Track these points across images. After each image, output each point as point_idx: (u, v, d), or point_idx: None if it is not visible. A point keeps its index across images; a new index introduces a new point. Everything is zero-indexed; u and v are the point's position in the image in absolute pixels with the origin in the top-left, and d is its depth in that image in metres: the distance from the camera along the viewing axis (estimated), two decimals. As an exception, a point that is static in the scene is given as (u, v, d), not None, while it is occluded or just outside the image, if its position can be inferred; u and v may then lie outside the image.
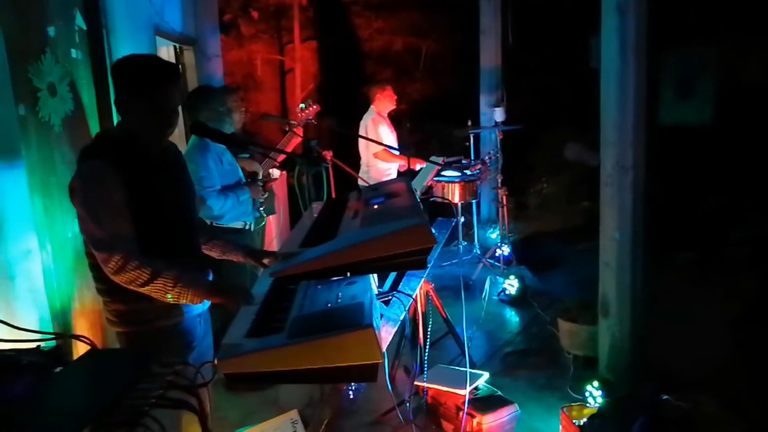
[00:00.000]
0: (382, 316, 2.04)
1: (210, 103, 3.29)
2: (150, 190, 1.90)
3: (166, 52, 4.85)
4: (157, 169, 1.95)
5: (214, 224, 3.30)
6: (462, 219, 5.52)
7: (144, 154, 1.92)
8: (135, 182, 1.86)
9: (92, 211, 1.81)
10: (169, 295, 1.82)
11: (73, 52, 2.87)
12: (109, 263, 1.77)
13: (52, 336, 1.28)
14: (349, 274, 1.73)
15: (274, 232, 4.59)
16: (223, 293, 1.88)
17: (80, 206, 1.84)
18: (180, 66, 5.02)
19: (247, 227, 3.48)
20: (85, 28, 2.99)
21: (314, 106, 4.07)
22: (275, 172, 4.02)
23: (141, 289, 1.81)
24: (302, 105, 4.11)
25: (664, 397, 2.75)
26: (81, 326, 2.70)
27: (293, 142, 4.00)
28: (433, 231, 1.85)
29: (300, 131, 4.02)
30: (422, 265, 1.73)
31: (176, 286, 1.81)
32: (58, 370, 1.19)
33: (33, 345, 1.26)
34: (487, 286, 4.80)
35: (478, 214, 6.09)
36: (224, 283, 1.97)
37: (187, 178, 2.17)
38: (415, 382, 3.12)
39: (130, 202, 1.84)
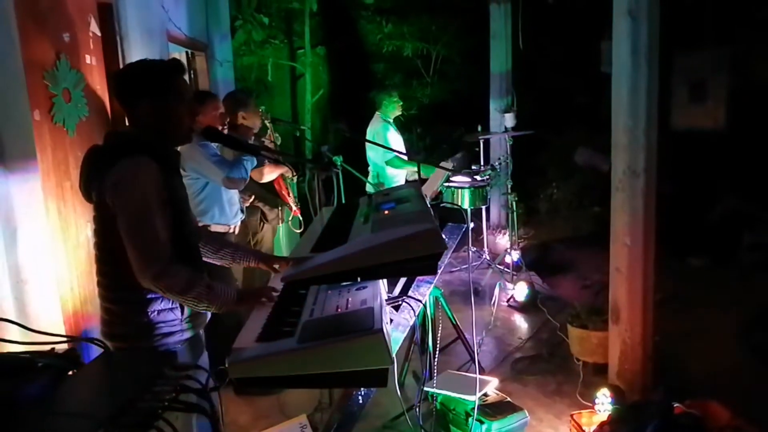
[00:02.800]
0: (391, 321, 2.04)
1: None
2: (174, 193, 1.88)
3: (178, 57, 4.89)
4: (173, 172, 1.96)
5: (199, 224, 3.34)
6: (471, 224, 5.51)
7: (166, 156, 1.91)
8: (168, 183, 1.83)
9: (140, 210, 1.72)
10: (202, 305, 1.79)
11: (88, 58, 2.90)
12: (151, 268, 1.69)
13: (67, 339, 1.30)
14: (359, 278, 1.74)
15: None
16: (250, 299, 1.87)
17: (127, 203, 1.73)
18: (192, 71, 5.06)
19: (231, 231, 3.51)
20: (99, 34, 3.02)
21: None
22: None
23: (177, 297, 1.76)
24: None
25: (676, 403, 2.73)
26: (94, 329, 2.73)
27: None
28: (443, 236, 1.85)
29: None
30: (432, 271, 1.74)
31: (210, 294, 1.77)
32: (72, 372, 1.20)
33: (47, 347, 1.27)
34: (496, 291, 4.79)
35: (488, 219, 6.08)
36: (247, 290, 1.95)
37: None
38: (425, 388, 3.12)
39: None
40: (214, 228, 3.37)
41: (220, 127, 3.37)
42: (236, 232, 3.57)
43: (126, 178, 1.74)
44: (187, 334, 1.93)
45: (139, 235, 1.72)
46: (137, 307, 1.84)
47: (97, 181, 1.80)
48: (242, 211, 3.62)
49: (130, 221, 1.73)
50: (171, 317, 1.87)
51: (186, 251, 1.93)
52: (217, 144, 3.25)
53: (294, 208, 4.20)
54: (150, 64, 1.93)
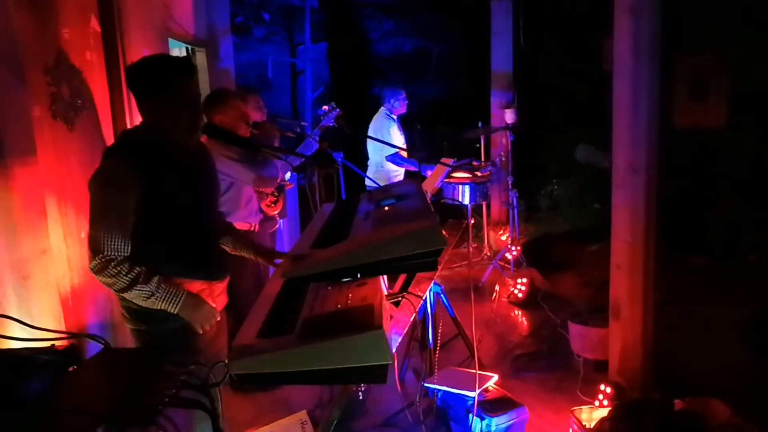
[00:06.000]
0: (392, 317, 2.04)
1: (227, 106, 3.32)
2: (170, 190, 1.91)
3: (179, 53, 4.89)
4: (181, 169, 1.96)
5: None
6: (472, 220, 5.51)
7: (169, 154, 1.93)
8: (155, 182, 1.87)
9: (97, 207, 1.87)
10: (146, 303, 1.87)
11: (88, 54, 2.90)
12: (92, 261, 1.83)
13: (67, 335, 1.30)
14: (359, 275, 1.74)
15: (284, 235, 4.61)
16: (189, 314, 1.93)
17: (91, 200, 1.89)
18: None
19: (252, 228, 3.50)
20: (99, 30, 3.02)
21: (336, 111, 4.11)
22: (287, 175, 4.07)
23: (118, 294, 1.87)
24: (323, 109, 4.15)
25: (676, 400, 2.73)
26: (94, 326, 2.73)
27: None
28: (444, 233, 1.85)
29: None
30: (433, 267, 1.73)
31: (150, 298, 1.86)
32: (72, 368, 1.20)
33: (48, 344, 1.27)
34: (496, 288, 4.79)
35: (489, 215, 6.08)
36: (196, 302, 1.96)
37: (211, 181, 2.18)
38: (425, 384, 3.12)
39: (147, 201, 1.85)
40: (238, 226, 3.37)
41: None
42: (257, 230, 3.55)
43: (97, 177, 1.88)
44: (178, 323, 1.95)
45: (91, 230, 1.86)
46: None
47: None
48: (261, 210, 3.61)
49: (90, 216, 1.88)
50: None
51: (189, 250, 1.95)
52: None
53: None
54: (157, 60, 1.97)
